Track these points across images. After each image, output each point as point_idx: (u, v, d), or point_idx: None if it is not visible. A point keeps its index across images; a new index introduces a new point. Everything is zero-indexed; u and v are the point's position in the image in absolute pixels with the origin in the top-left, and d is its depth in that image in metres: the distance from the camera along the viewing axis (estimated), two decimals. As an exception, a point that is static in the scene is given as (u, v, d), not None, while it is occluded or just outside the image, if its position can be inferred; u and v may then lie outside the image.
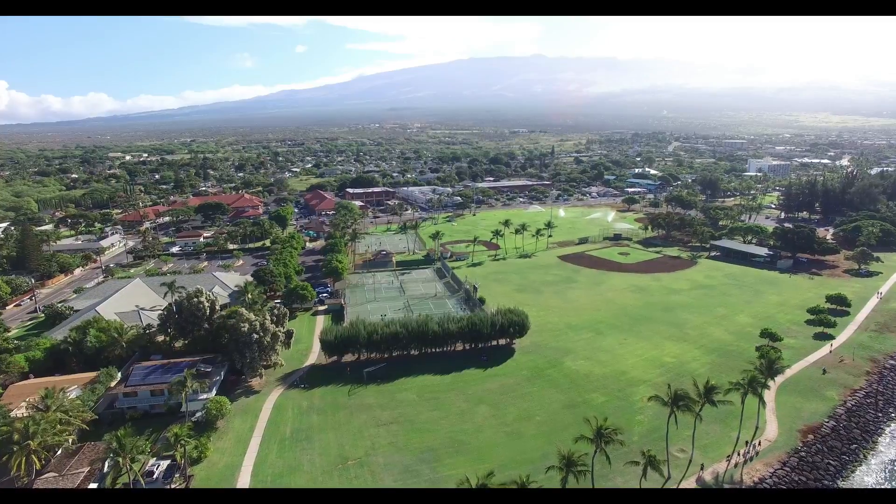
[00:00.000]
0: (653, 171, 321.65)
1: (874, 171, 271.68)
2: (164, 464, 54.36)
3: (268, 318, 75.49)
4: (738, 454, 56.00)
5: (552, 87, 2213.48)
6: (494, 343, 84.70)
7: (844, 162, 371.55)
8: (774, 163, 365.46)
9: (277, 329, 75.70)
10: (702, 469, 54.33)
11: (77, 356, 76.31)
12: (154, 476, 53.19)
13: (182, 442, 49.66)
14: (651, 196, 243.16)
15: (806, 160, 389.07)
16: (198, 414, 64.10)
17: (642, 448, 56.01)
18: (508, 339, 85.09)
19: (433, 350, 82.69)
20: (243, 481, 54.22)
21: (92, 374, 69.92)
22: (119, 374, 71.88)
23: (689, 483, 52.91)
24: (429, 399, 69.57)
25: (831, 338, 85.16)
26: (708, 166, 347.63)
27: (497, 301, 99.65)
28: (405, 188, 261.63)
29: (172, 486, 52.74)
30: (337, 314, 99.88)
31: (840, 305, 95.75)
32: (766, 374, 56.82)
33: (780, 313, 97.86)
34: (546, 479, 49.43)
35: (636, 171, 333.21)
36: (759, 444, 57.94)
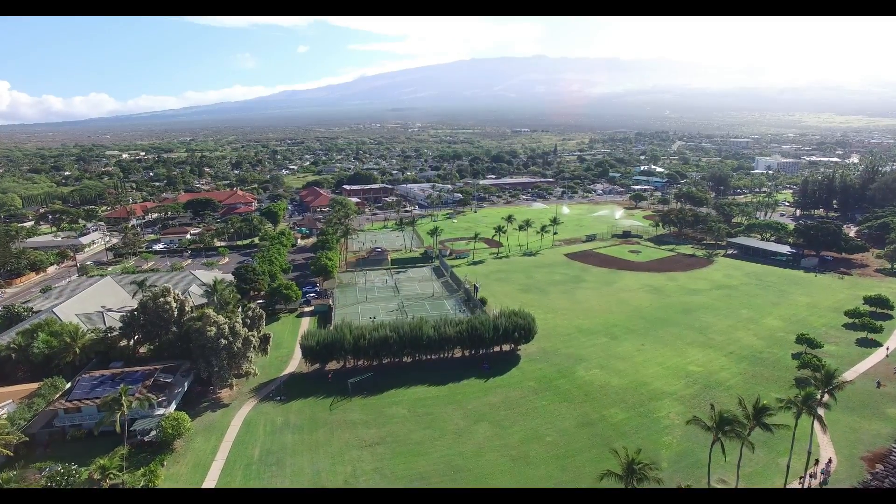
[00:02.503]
0: (658, 169, 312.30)
1: (888, 168, 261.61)
2: (101, 497, 45.14)
3: (239, 320, 66.40)
4: (813, 477, 47.24)
5: (554, 87, 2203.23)
6: (497, 349, 75.53)
7: (854, 160, 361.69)
8: (783, 160, 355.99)
9: (251, 333, 66.55)
10: None
11: (24, 364, 67.41)
12: None
13: (111, 476, 40.40)
14: (658, 193, 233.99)
15: (814, 158, 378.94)
16: (152, 433, 55.06)
17: (675, 479, 47.26)
18: (513, 345, 75.88)
19: (428, 357, 73.44)
20: (195, 518, 45.03)
21: (35, 386, 60.92)
22: (68, 385, 62.79)
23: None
24: (422, 415, 60.37)
25: (878, 344, 75.65)
26: (714, 164, 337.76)
27: (500, 302, 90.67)
28: (404, 185, 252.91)
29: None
30: (324, 316, 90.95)
31: (881, 308, 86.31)
32: (823, 390, 47.50)
33: (812, 316, 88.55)
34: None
35: (641, 168, 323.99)
36: (830, 464, 48.88)
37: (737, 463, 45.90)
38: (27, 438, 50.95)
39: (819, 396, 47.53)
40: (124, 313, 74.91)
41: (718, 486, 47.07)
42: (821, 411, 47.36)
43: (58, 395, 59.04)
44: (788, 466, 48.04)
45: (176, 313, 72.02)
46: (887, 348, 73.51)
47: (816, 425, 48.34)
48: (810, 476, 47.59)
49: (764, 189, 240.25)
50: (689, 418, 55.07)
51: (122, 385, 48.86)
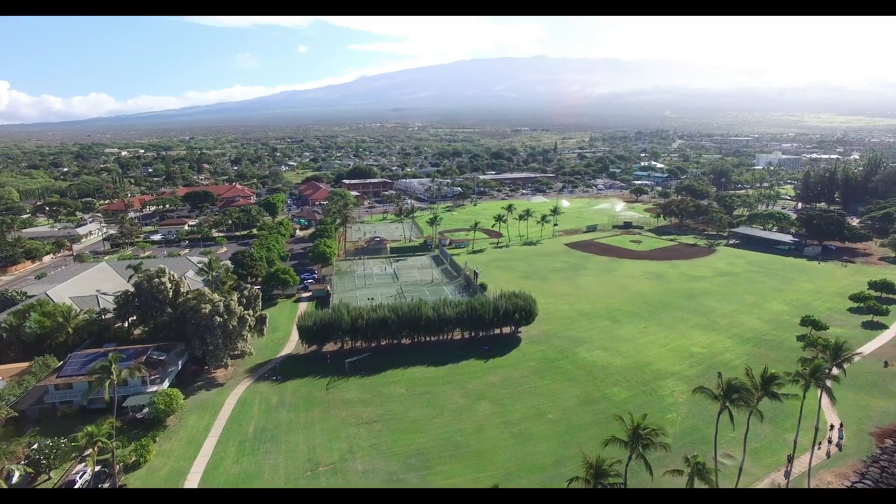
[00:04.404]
0: (659, 165, 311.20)
1: (891, 163, 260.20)
2: (90, 471, 43.88)
3: (235, 298, 65.21)
4: (831, 442, 48.60)
5: (555, 87, 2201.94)
6: (497, 332, 74.41)
7: (855, 156, 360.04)
8: (784, 157, 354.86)
9: (246, 312, 65.38)
10: (788, 462, 45.47)
11: (15, 344, 66.25)
12: (76, 486, 42.84)
13: (100, 444, 39.14)
14: (659, 188, 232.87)
15: (815, 155, 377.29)
16: (144, 410, 53.90)
17: (681, 453, 45.87)
18: (513, 327, 74.73)
19: (427, 339, 72.34)
20: (187, 492, 43.81)
21: (26, 365, 59.75)
22: (60, 364, 61.54)
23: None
24: (420, 394, 59.21)
25: (883, 327, 74.59)
26: (715, 161, 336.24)
27: (500, 288, 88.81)
28: (403, 180, 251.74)
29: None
30: (322, 301, 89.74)
31: (887, 293, 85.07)
32: (831, 362, 46.29)
33: (816, 301, 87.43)
34: (565, 493, 38.93)
35: (642, 164, 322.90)
36: (843, 428, 49.63)
37: (743, 438, 44.67)
38: (16, 414, 49.75)
39: (828, 369, 46.27)
40: (118, 294, 73.68)
41: (725, 461, 45.87)
42: (829, 384, 46.12)
43: (49, 373, 57.82)
44: (796, 442, 46.91)
45: (171, 294, 70.79)
46: None
47: (824, 400, 47.32)
48: (829, 441, 48.07)
49: (765, 184, 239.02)
50: (693, 398, 54.37)
51: (111, 353, 47.55)
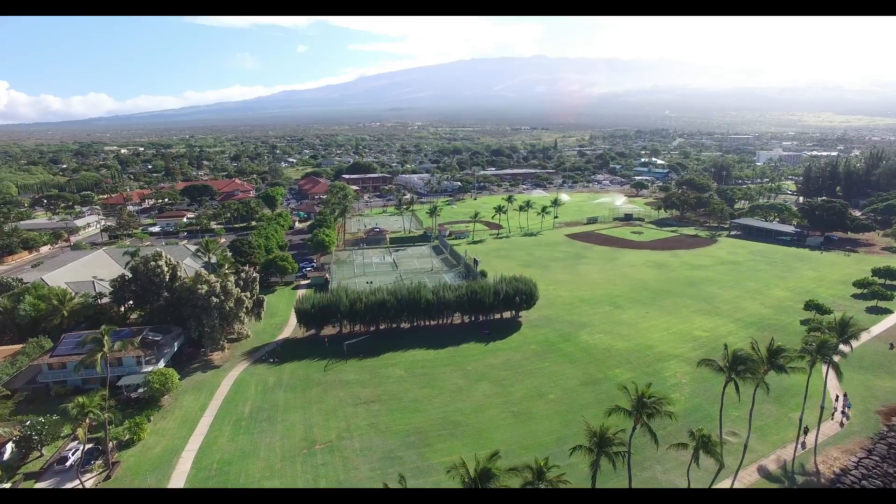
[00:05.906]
0: (659, 162, 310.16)
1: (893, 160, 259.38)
2: (83, 447, 42.99)
3: (232, 280, 64.34)
4: (843, 414, 48.65)
5: (554, 87, 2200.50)
6: (497, 316, 73.66)
7: (856, 153, 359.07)
8: (785, 153, 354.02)
9: (243, 294, 64.56)
10: (804, 434, 45.01)
11: (10, 328, 65.41)
12: (68, 463, 42.00)
13: (91, 415, 38.24)
14: (660, 183, 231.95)
15: (815, 153, 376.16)
16: (139, 389, 53.07)
17: (687, 426, 45.11)
18: (514, 312, 73.98)
19: (427, 322, 71.55)
20: (181, 469, 42.96)
21: (20, 346, 58.91)
22: (54, 345, 60.70)
23: (749, 471, 41.68)
24: (419, 375, 58.39)
25: (888, 312, 73.81)
26: (716, 157, 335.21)
27: (500, 275, 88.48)
28: (403, 175, 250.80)
29: (90, 475, 41.45)
30: (321, 288, 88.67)
31: (890, 279, 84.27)
32: (838, 338, 45.46)
33: (819, 288, 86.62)
34: (569, 466, 38.22)
35: (642, 160, 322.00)
36: (847, 398, 49.95)
37: (748, 416, 43.86)
38: (8, 392, 48.86)
39: (835, 344, 45.42)
40: (115, 279, 72.74)
41: (730, 439, 45.12)
42: (836, 359, 45.30)
43: (42, 353, 56.97)
44: (801, 419, 46.02)
45: (168, 278, 69.75)
46: None
47: (831, 377, 46.54)
48: (841, 412, 48.51)
49: (766, 179, 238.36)
50: (696, 379, 53.75)
51: (104, 327, 46.68)
